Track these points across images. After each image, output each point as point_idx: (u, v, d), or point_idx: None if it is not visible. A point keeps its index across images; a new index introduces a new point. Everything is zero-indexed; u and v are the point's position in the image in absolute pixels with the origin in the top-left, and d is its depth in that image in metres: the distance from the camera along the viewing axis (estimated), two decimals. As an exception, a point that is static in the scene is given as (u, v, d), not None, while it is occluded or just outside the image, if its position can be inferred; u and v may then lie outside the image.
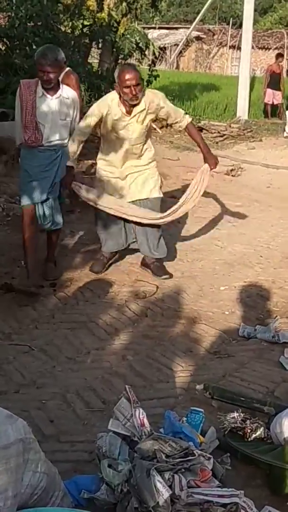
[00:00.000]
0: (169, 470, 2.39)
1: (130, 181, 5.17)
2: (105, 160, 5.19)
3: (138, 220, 5.12)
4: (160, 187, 5.33)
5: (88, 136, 5.11)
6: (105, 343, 4.16)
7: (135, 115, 4.91)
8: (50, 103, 4.82)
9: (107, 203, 5.11)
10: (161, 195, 5.31)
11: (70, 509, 2.31)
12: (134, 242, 5.37)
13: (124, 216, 5.12)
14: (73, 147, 4.95)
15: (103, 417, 3.19)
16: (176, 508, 2.29)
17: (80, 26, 13.35)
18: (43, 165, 4.90)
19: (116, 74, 4.93)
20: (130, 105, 4.86)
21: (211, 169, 5.10)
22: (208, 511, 2.32)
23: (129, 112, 4.90)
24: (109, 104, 4.90)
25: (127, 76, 4.73)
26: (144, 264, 5.47)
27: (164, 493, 2.27)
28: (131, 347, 4.12)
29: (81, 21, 13.20)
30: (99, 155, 5.26)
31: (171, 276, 5.33)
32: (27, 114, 4.78)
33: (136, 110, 4.90)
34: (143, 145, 5.13)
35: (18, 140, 5.05)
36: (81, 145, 5.02)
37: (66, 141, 4.95)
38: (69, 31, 13.16)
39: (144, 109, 4.91)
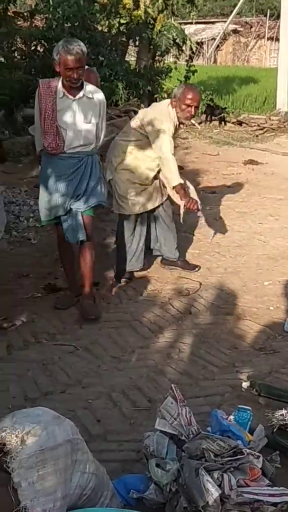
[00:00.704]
0: (218, 469, 2.37)
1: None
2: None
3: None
4: None
5: None
6: (149, 341, 4.15)
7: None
8: (72, 105, 4.26)
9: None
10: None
11: (119, 509, 2.31)
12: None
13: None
14: (175, 167, 4.83)
15: (149, 416, 3.18)
16: (226, 507, 2.27)
17: (117, 24, 13.38)
18: (65, 175, 4.34)
19: (179, 90, 4.85)
20: (180, 123, 4.95)
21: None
22: (258, 510, 2.30)
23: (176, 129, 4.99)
24: (172, 119, 4.87)
25: (192, 96, 4.78)
26: (167, 263, 5.46)
27: (213, 492, 2.25)
28: (176, 345, 4.10)
29: (118, 19, 13.24)
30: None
31: (199, 267, 5.39)
32: (47, 118, 4.24)
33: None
34: None
35: (38, 146, 4.47)
36: None
37: (91, 147, 4.40)
38: (105, 30, 13.22)
39: None
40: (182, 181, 4.81)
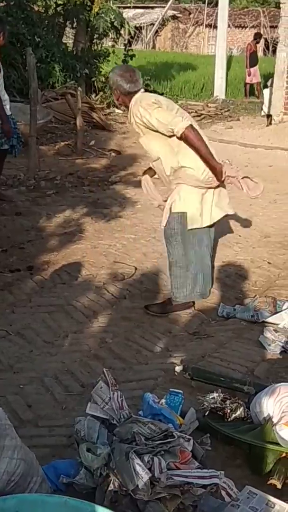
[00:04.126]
0: (149, 452, 2.36)
1: None
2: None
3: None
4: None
5: None
6: (83, 326, 4.12)
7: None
8: None
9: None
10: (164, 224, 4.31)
11: (49, 494, 2.27)
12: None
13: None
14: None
15: (82, 401, 3.15)
16: (156, 490, 2.27)
17: (54, 5, 13.18)
18: None
19: None
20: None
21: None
22: (188, 492, 2.30)
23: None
24: None
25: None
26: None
27: (143, 476, 2.25)
28: (110, 329, 4.08)
29: (55, 0, 13.03)
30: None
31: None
32: None
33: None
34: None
35: None
36: None
37: None
38: (42, 10, 12.99)
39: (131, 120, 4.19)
40: None
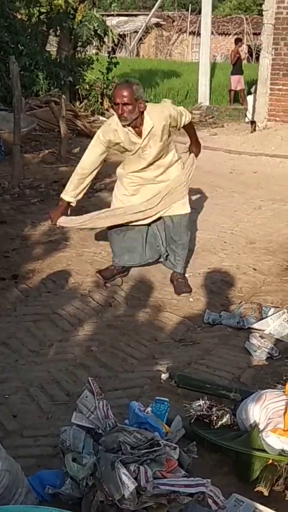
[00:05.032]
0: (134, 462, 2.35)
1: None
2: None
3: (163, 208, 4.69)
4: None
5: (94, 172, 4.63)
6: (69, 335, 4.10)
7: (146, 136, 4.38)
8: None
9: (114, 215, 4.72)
10: (189, 211, 4.83)
11: (34, 505, 2.25)
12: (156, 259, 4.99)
13: (145, 216, 4.68)
14: (73, 183, 4.62)
15: (67, 410, 3.13)
16: (142, 500, 2.26)
17: (37, 13, 13.19)
18: None
19: None
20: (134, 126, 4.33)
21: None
22: (175, 501, 2.29)
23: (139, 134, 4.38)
24: (115, 129, 4.36)
25: (116, 92, 4.25)
26: (170, 279, 4.97)
27: (129, 485, 2.23)
28: (96, 337, 4.06)
29: (38, 8, 13.04)
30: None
31: (190, 291, 4.84)
32: None
33: (145, 130, 4.37)
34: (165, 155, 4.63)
35: None
36: (85, 182, 4.61)
37: None
38: (25, 18, 13.00)
39: (153, 127, 4.36)
40: (65, 198, 4.63)
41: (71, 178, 4.63)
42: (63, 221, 4.72)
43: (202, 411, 2.95)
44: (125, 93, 4.17)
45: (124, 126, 4.29)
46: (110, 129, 4.37)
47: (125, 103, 4.18)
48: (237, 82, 17.82)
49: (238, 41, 18.93)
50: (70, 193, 4.63)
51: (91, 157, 4.55)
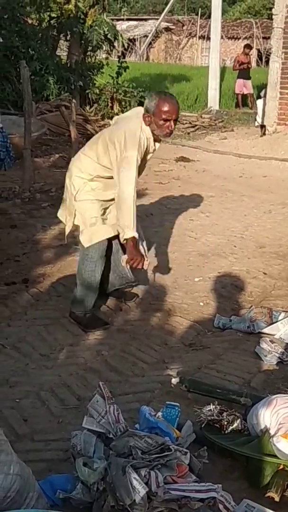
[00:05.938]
0: (145, 466, 2.35)
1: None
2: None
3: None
4: None
5: None
6: (79, 339, 4.10)
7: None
8: None
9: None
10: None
11: (46, 510, 2.26)
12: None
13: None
14: (134, 213, 3.90)
15: (78, 415, 3.13)
16: (153, 505, 2.26)
17: (47, 18, 13.25)
18: None
19: (151, 102, 3.93)
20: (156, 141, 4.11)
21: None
22: (185, 506, 2.29)
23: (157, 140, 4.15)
24: (147, 137, 4.03)
25: (169, 108, 3.91)
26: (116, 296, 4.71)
27: (140, 490, 2.23)
28: (106, 342, 4.07)
29: (48, 13, 13.10)
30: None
31: (137, 296, 4.74)
32: None
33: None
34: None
35: None
36: None
37: None
38: (36, 23, 13.06)
39: None
40: (136, 234, 3.90)
41: (133, 209, 3.89)
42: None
43: (212, 416, 2.95)
44: (178, 110, 4.00)
45: (159, 142, 4.17)
46: (142, 146, 3.97)
47: (175, 119, 3.99)
48: (241, 86, 17.84)
49: (246, 47, 18.87)
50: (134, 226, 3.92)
51: (135, 180, 3.92)
